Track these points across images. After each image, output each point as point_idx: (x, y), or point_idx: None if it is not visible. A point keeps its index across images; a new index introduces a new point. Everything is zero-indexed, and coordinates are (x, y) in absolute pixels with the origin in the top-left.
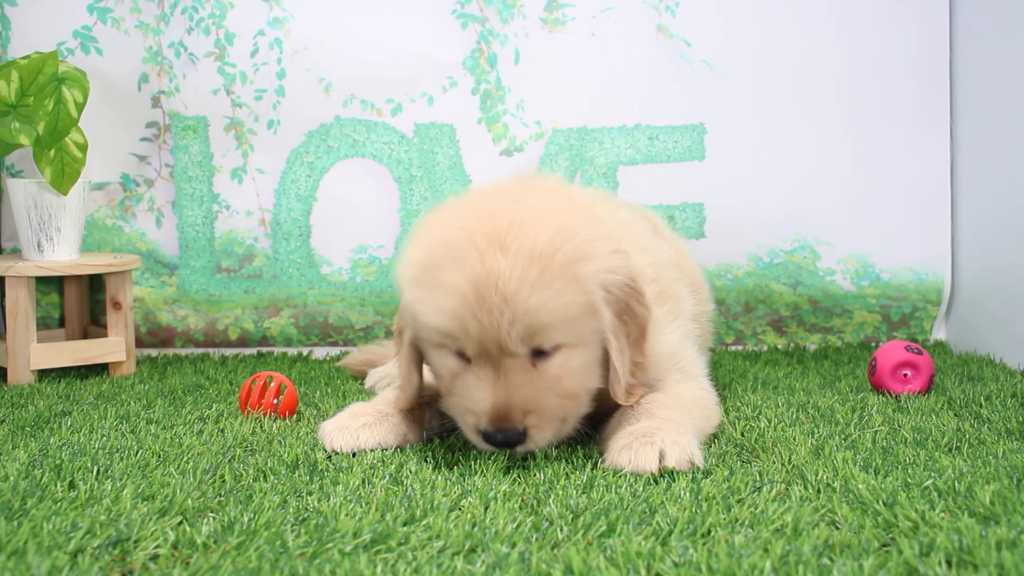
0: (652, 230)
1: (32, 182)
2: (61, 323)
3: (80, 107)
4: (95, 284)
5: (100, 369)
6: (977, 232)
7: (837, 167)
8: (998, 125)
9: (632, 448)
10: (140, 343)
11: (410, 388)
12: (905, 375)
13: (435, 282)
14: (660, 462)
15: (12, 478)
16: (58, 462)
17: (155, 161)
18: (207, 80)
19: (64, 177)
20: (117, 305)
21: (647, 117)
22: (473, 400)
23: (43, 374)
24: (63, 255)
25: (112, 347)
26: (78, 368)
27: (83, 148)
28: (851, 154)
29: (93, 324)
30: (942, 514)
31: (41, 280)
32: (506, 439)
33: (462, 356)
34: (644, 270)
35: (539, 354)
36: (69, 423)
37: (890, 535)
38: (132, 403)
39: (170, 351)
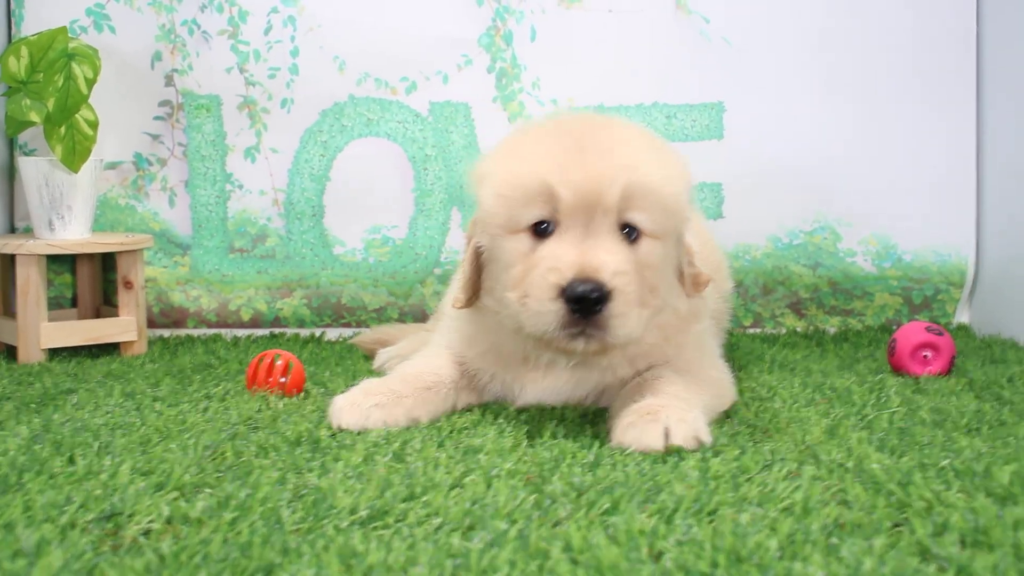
0: None
1: (43, 160)
2: (73, 303)
3: (90, 83)
4: (107, 264)
5: (111, 349)
6: (1003, 213)
7: (859, 146)
8: None
9: (637, 426)
10: (153, 323)
11: (468, 289)
12: (925, 356)
13: (529, 146)
14: (666, 440)
15: (11, 452)
16: (59, 438)
17: (168, 140)
18: (220, 58)
19: (75, 155)
20: (128, 284)
21: (665, 95)
22: (557, 259)
23: (54, 353)
24: (74, 233)
25: (123, 327)
26: (89, 348)
27: (94, 125)
28: (874, 133)
29: (106, 304)
30: (958, 494)
31: (54, 260)
32: (591, 292)
33: (542, 233)
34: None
35: (627, 234)
36: (74, 400)
37: (903, 515)
38: (139, 381)
39: (182, 332)
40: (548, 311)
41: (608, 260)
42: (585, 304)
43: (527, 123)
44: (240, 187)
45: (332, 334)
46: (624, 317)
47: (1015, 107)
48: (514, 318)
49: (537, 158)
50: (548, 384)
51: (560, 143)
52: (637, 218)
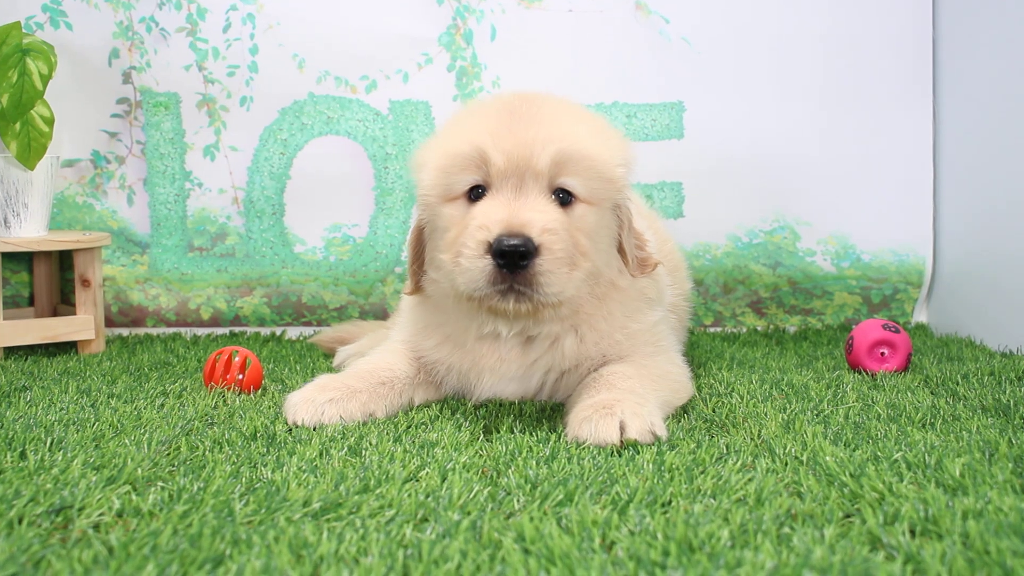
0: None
1: None
2: (31, 301)
3: (45, 79)
4: (65, 262)
5: (69, 347)
6: (960, 213)
7: (818, 146)
8: (982, 106)
9: (592, 420)
10: (111, 323)
11: (415, 268)
12: (882, 354)
13: (464, 121)
14: (622, 434)
15: None
16: (11, 434)
17: (126, 138)
18: (179, 56)
19: (30, 151)
20: (86, 283)
21: (625, 95)
22: (486, 217)
23: (10, 352)
24: (31, 231)
25: (80, 325)
26: (46, 346)
27: (50, 122)
28: (832, 134)
29: (64, 303)
30: (909, 486)
31: (11, 258)
32: (518, 247)
33: (476, 197)
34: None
35: (560, 199)
36: (28, 397)
37: (855, 505)
38: (95, 379)
39: (141, 330)
40: (477, 268)
41: (536, 217)
42: (511, 259)
43: (468, 102)
44: (199, 185)
45: (292, 333)
46: (552, 275)
47: (971, 109)
48: (449, 279)
49: (472, 129)
50: (503, 370)
51: (496, 115)
52: (570, 183)
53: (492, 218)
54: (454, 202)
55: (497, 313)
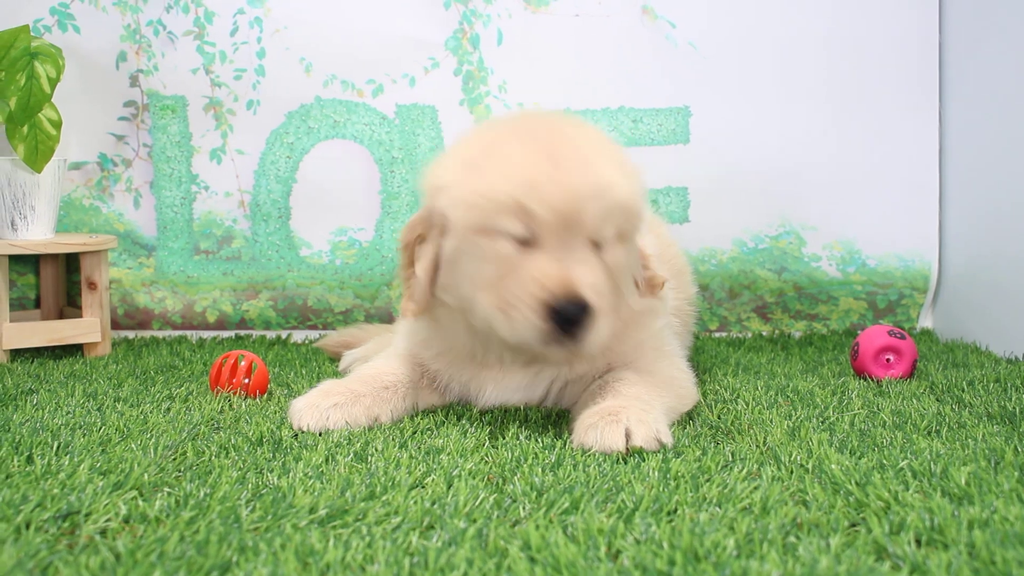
0: None
1: (6, 159)
2: (37, 304)
3: (53, 83)
4: (71, 265)
5: (75, 350)
6: (965, 218)
7: (824, 151)
8: (988, 110)
9: (598, 427)
10: (117, 325)
11: (424, 297)
12: (888, 360)
13: (496, 155)
14: (627, 441)
15: None
16: (18, 438)
17: (133, 141)
18: (186, 59)
19: (38, 154)
20: (92, 285)
21: (631, 99)
22: (541, 272)
23: (16, 354)
24: (38, 234)
25: (87, 328)
26: (52, 349)
27: (57, 125)
28: (838, 138)
29: (70, 305)
30: (915, 494)
31: (17, 260)
32: (577, 313)
33: (518, 242)
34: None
35: (596, 245)
36: (35, 400)
37: (860, 514)
38: (101, 382)
39: (147, 333)
40: (531, 324)
41: (586, 276)
42: (570, 322)
43: (486, 125)
44: (206, 188)
45: (298, 336)
46: (598, 329)
47: (977, 113)
48: (486, 320)
49: (508, 173)
50: (507, 382)
51: (532, 156)
52: (610, 231)
53: (546, 274)
54: (492, 237)
55: (536, 356)
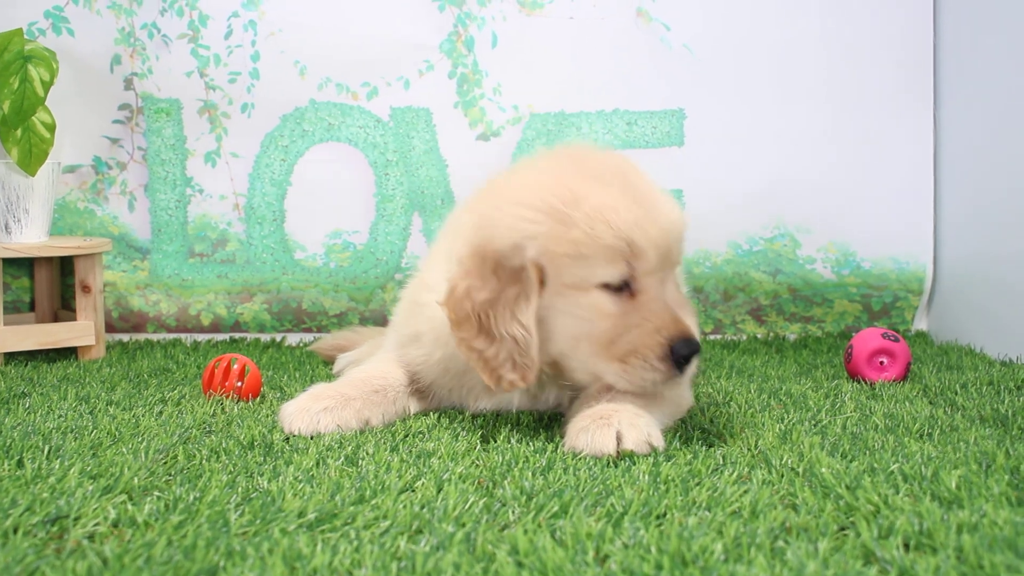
0: None
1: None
2: (31, 307)
3: (47, 86)
4: (66, 268)
5: (69, 353)
6: (960, 221)
7: (818, 154)
8: (983, 112)
9: (589, 430)
10: (112, 328)
11: (537, 358)
12: (881, 363)
13: (585, 203)
14: (618, 444)
15: None
16: (8, 441)
17: (127, 144)
18: (180, 62)
19: (32, 157)
20: (86, 288)
21: (626, 102)
22: (660, 319)
23: (10, 357)
24: (32, 237)
25: (81, 331)
26: (46, 352)
27: (51, 128)
28: (833, 141)
29: (64, 309)
30: (905, 498)
31: (12, 264)
32: (693, 353)
33: (615, 289)
34: None
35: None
36: (27, 404)
37: (850, 518)
38: (94, 385)
39: (141, 336)
40: (659, 371)
41: (688, 317)
42: (687, 360)
43: (533, 172)
44: (200, 191)
45: (292, 339)
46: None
47: (972, 116)
48: (592, 374)
49: (606, 216)
50: (504, 397)
51: (617, 197)
52: (680, 259)
53: (662, 318)
54: (589, 292)
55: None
